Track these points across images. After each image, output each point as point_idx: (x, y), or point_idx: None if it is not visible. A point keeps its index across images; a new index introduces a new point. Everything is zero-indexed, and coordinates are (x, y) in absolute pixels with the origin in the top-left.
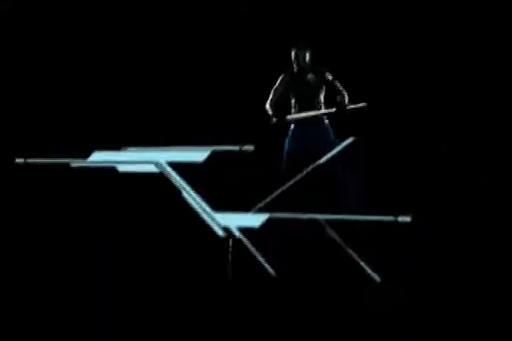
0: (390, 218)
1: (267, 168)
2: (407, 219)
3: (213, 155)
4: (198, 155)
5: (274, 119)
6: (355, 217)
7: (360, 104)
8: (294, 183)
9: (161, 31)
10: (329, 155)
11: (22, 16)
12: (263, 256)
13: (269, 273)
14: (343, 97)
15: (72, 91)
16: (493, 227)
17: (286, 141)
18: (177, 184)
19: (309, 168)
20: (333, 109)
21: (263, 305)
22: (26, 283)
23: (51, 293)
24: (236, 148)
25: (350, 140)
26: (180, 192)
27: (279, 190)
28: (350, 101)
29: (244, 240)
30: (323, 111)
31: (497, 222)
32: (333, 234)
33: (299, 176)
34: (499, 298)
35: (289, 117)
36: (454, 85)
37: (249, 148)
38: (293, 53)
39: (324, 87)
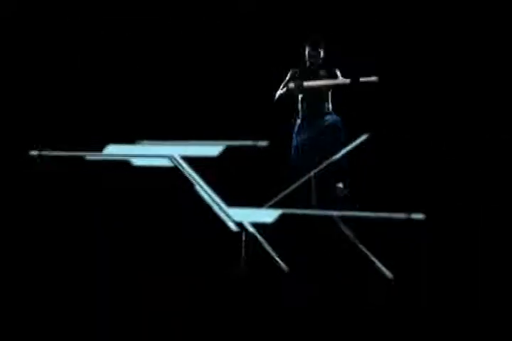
0: (403, 215)
1: (281, 163)
2: (420, 216)
3: (227, 150)
4: (212, 149)
5: (290, 85)
6: (367, 214)
7: (373, 78)
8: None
9: (179, 26)
10: (344, 151)
11: (26, 16)
12: (276, 252)
13: (281, 269)
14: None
15: (88, 85)
16: (494, 227)
17: (294, 134)
18: (191, 178)
19: (324, 164)
20: (348, 80)
21: (274, 300)
22: (26, 283)
23: (51, 293)
24: (250, 143)
25: (364, 137)
26: (193, 187)
27: (293, 186)
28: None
29: (258, 235)
30: (337, 81)
31: (498, 222)
32: (347, 231)
33: (313, 172)
34: (507, 295)
35: (305, 84)
36: (454, 85)
37: (264, 143)
38: (307, 50)
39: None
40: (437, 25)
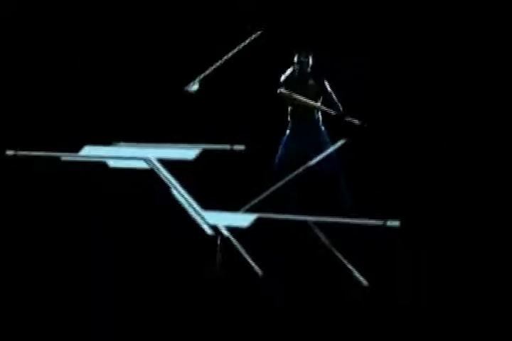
0: (379, 222)
1: (257, 167)
2: (396, 223)
3: (204, 153)
4: (188, 153)
5: (282, 89)
6: (344, 220)
7: (356, 121)
8: (291, 186)
9: (149, 28)
10: (320, 156)
11: (22, 16)
12: (251, 256)
13: (256, 273)
14: (339, 109)
15: (65, 86)
16: (492, 227)
17: (281, 144)
18: (166, 181)
19: (300, 169)
20: (333, 112)
21: (249, 304)
22: (26, 283)
23: (51, 293)
24: (227, 147)
25: (341, 142)
26: (169, 190)
27: (269, 191)
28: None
29: (233, 239)
30: (325, 109)
31: (497, 223)
32: (322, 236)
33: (290, 177)
34: (484, 298)
35: (295, 96)
36: (454, 85)
37: (240, 147)
38: (295, 57)
39: (322, 94)
40: (434, 24)
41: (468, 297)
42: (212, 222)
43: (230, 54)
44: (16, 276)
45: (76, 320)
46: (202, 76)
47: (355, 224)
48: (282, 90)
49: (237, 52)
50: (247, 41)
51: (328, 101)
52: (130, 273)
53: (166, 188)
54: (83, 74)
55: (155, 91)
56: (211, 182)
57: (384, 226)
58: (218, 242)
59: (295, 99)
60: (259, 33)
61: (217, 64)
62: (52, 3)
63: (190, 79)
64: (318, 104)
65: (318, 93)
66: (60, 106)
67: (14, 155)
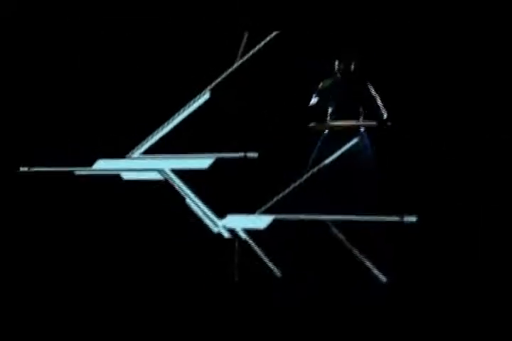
0: (396, 218)
1: (272, 172)
2: (413, 219)
3: (218, 162)
4: (201, 162)
5: (313, 123)
6: (360, 217)
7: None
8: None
9: (168, 36)
10: (333, 157)
11: (25, 18)
12: (269, 257)
13: (274, 274)
14: (382, 115)
15: (77, 98)
16: (493, 228)
17: (317, 146)
18: (181, 191)
19: (315, 169)
20: (374, 123)
21: (268, 306)
22: (26, 284)
23: (51, 294)
24: (240, 155)
25: (354, 141)
26: (184, 199)
27: (284, 192)
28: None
29: (250, 241)
30: (364, 122)
31: (498, 223)
32: (339, 235)
33: (305, 177)
34: (501, 296)
35: (330, 123)
36: (454, 85)
37: (254, 155)
38: (338, 61)
39: (365, 99)
40: (434, 23)
41: (487, 294)
42: (228, 225)
43: (244, 58)
44: (33, 289)
45: (75, 320)
46: (214, 83)
47: (372, 220)
48: (313, 124)
49: (253, 55)
50: (262, 44)
51: (371, 107)
52: (148, 281)
53: (180, 198)
54: (95, 88)
55: (166, 101)
56: (226, 191)
57: (401, 222)
58: (236, 245)
59: (330, 127)
60: (273, 35)
61: (231, 69)
62: (53, 3)
63: (202, 88)
64: (354, 122)
65: (361, 96)
66: (72, 120)
67: (27, 171)
